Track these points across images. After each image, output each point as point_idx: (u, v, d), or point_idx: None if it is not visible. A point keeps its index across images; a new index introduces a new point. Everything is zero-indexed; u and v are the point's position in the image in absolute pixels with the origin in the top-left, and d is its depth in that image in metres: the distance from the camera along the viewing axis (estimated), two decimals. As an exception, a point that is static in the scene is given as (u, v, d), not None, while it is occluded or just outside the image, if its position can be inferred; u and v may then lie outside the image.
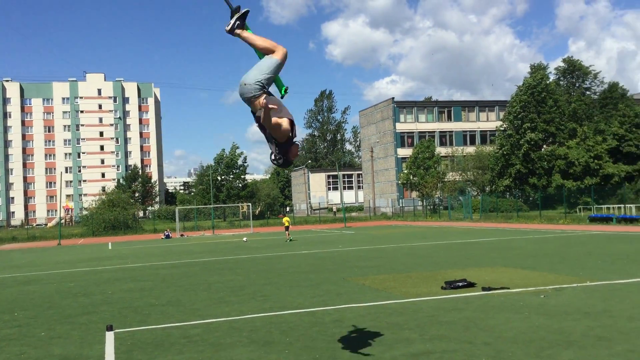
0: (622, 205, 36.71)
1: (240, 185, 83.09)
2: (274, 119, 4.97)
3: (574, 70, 68.12)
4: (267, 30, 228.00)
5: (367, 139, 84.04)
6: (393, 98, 77.80)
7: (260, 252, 22.78)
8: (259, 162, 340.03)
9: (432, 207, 60.01)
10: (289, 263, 17.61)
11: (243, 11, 5.47)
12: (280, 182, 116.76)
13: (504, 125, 59.85)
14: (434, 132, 77.42)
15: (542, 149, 58.04)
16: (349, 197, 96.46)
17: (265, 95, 5.14)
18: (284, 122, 5.06)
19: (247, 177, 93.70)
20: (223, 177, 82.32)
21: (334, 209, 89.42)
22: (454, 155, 70.77)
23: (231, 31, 5.46)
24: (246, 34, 5.44)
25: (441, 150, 71.36)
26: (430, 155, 61.93)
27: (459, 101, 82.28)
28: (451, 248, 20.77)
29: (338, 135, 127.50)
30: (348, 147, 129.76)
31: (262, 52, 5.35)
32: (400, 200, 73.16)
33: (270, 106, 4.79)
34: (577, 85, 68.44)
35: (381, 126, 79.55)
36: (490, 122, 77.68)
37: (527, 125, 55.76)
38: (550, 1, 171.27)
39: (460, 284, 11.02)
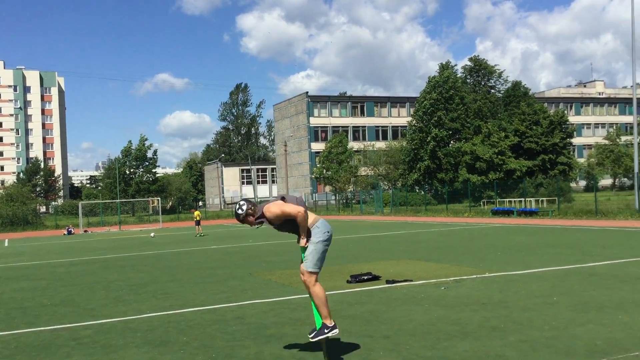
0: (522, 199, 38.52)
1: (151, 179, 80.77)
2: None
3: (480, 69, 70.81)
4: (180, 21, 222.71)
5: (281, 133, 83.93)
6: (307, 92, 78.10)
7: (167, 248, 22.14)
8: (171, 156, 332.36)
9: (345, 201, 60.74)
10: (196, 259, 17.18)
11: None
12: (193, 176, 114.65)
13: (413, 121, 61.44)
14: (348, 126, 78.40)
15: (450, 145, 60.04)
16: (263, 191, 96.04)
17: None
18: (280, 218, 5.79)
19: (159, 170, 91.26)
20: (132, 170, 79.71)
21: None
22: (366, 150, 71.91)
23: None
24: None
25: (354, 145, 72.34)
26: (343, 150, 62.63)
27: (372, 97, 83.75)
28: (361, 242, 21.00)
29: (252, 129, 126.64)
30: (262, 141, 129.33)
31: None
32: (314, 194, 73.60)
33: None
34: (483, 83, 71.19)
35: (295, 120, 79.67)
36: (401, 117, 79.56)
37: (435, 122, 57.54)
38: (459, 1, 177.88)
39: (365, 277, 11.07)
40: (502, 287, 9.73)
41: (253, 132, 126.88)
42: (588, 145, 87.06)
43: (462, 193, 49.71)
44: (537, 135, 58.75)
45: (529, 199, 39.45)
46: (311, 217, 5.84)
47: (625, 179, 75.62)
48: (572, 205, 35.16)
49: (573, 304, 8.08)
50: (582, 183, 76.04)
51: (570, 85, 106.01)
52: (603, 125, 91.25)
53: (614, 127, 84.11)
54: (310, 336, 5.82)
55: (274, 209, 5.73)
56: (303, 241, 5.74)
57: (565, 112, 70.89)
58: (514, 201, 40.60)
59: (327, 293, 6.10)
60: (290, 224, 5.77)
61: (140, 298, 10.25)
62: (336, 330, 5.80)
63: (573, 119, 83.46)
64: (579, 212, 30.08)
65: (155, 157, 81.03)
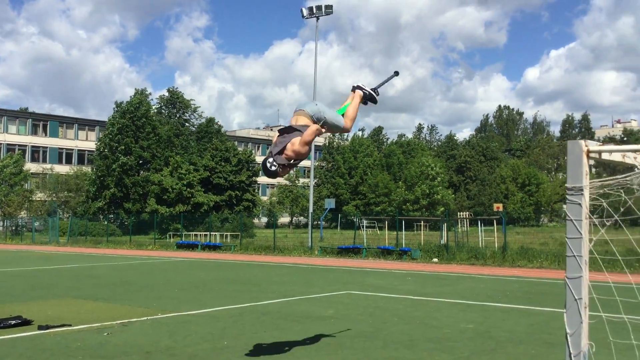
0: (208, 233, 38.83)
1: None
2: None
3: (176, 101, 70.89)
4: None
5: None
6: (-20, 103, 68.46)
7: None
8: None
9: (14, 228, 53.96)
10: None
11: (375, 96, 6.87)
12: None
13: (101, 147, 58.26)
14: (26, 145, 70.69)
15: (140, 174, 58.26)
16: None
17: (318, 126, 6.20)
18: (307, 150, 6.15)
19: None
20: None
21: None
22: (45, 173, 65.55)
23: (370, 92, 6.83)
24: (360, 104, 6.71)
25: (32, 167, 65.37)
26: (18, 171, 55.97)
27: (58, 116, 77.26)
28: (21, 276, 18.23)
29: None
30: None
31: (346, 113, 6.60)
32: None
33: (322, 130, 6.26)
34: (178, 116, 71.33)
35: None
36: (90, 141, 74.83)
37: (122, 149, 55.45)
38: (161, 32, 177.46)
39: (13, 322, 9.20)
40: (172, 330, 8.92)
41: None
42: (271, 184, 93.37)
43: (149, 224, 48.21)
44: (227, 171, 60.69)
45: (214, 233, 39.95)
46: (302, 120, 6.28)
47: (302, 217, 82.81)
48: (254, 241, 36.59)
49: (243, 348, 7.64)
50: (264, 220, 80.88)
51: (259, 127, 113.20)
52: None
53: (294, 170, 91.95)
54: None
55: (298, 147, 6.01)
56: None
57: (253, 152, 75.00)
58: (200, 235, 40.72)
59: None
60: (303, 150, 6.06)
61: None
62: None
63: (259, 159, 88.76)
64: (259, 247, 31.29)
65: None
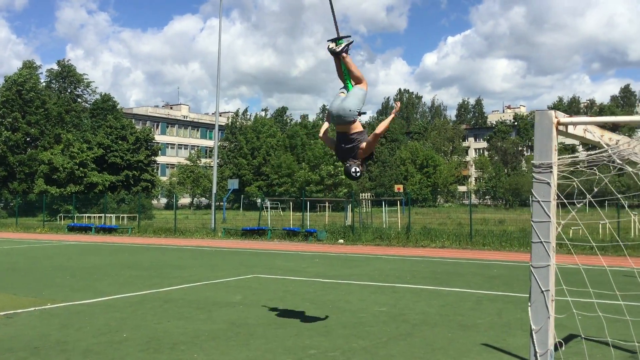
0: (103, 215, 36.88)
1: None
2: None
3: (67, 75, 66.73)
4: None
5: None
6: None
7: None
8: None
9: None
10: None
11: (351, 40, 6.87)
12: None
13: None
14: None
15: (27, 152, 54.53)
16: None
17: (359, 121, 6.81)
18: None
19: None
20: None
21: None
22: None
23: (339, 52, 6.84)
24: (349, 58, 6.84)
25: None
26: None
27: None
28: None
29: None
30: None
31: (352, 79, 6.85)
32: None
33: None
34: (70, 91, 67.25)
35: None
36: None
37: (8, 123, 51.58)
38: (51, 2, 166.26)
39: None
40: (64, 322, 8.07)
41: None
42: (171, 164, 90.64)
43: (37, 206, 45.17)
44: (123, 150, 58.09)
45: (109, 214, 38.04)
46: (350, 129, 6.83)
47: (203, 198, 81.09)
48: (153, 223, 35.12)
49: (145, 341, 6.97)
50: (164, 201, 78.45)
51: (158, 106, 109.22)
52: (186, 146, 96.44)
53: (195, 150, 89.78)
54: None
55: (373, 142, 6.77)
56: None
57: (152, 130, 72.29)
58: (94, 217, 38.64)
59: None
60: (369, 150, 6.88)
61: None
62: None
63: (159, 137, 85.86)
64: (159, 229, 30.03)
65: None
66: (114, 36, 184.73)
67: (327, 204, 40.66)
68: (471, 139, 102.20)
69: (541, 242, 2.45)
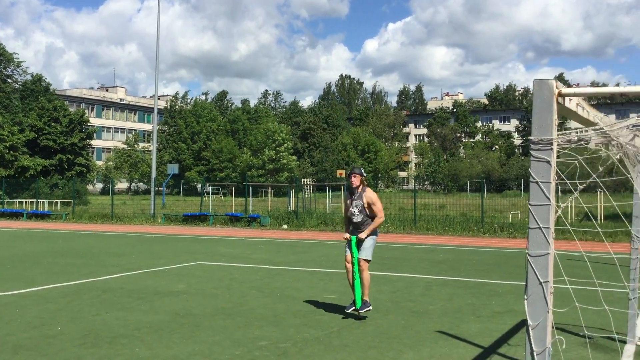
0: (35, 200, 35.26)
1: None
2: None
3: (-4, 54, 63.34)
4: None
5: None
6: None
7: None
8: None
9: None
10: None
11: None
12: None
13: None
14: None
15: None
16: None
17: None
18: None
19: None
20: None
21: None
22: None
23: None
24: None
25: None
26: None
27: None
28: None
29: None
30: None
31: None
32: None
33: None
34: (-1, 71, 63.93)
35: None
36: None
37: None
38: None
39: None
40: (-9, 316, 7.45)
41: None
42: (107, 148, 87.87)
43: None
44: (56, 133, 55.80)
45: (42, 200, 36.42)
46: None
47: (142, 183, 79.02)
48: (88, 208, 33.83)
49: (82, 335, 6.50)
50: (99, 186, 76.02)
51: (93, 88, 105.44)
52: (123, 130, 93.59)
53: (133, 133, 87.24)
54: (349, 310, 7.38)
55: (376, 197, 7.54)
56: (364, 234, 7.41)
57: (87, 112, 69.74)
58: (25, 202, 36.93)
59: None
60: (366, 216, 7.44)
61: None
62: (371, 307, 7.35)
63: (94, 121, 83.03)
64: (95, 215, 28.90)
65: None
66: (47, 15, 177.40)
67: (269, 189, 40.20)
68: (411, 125, 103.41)
69: (540, 227, 2.21)
